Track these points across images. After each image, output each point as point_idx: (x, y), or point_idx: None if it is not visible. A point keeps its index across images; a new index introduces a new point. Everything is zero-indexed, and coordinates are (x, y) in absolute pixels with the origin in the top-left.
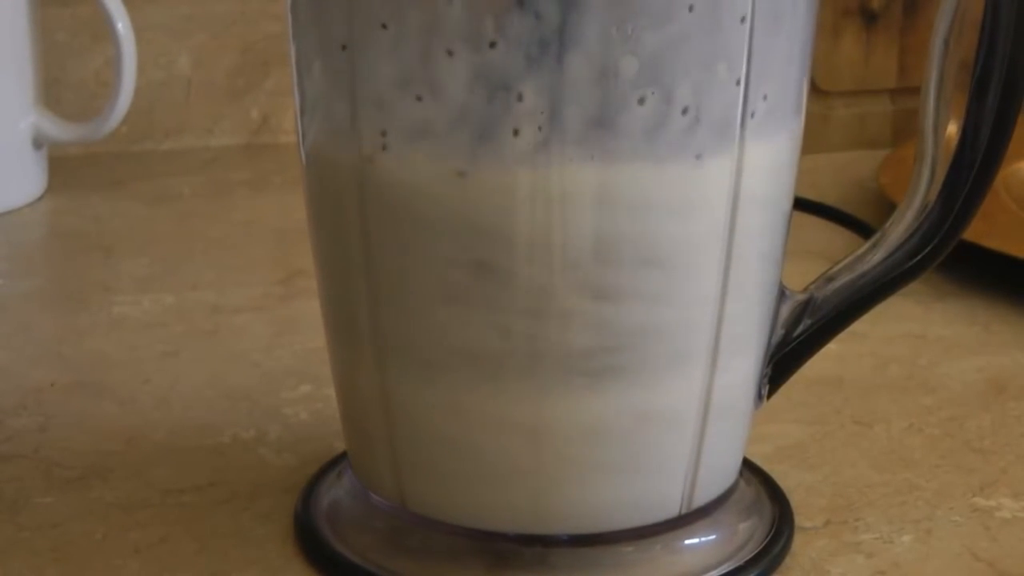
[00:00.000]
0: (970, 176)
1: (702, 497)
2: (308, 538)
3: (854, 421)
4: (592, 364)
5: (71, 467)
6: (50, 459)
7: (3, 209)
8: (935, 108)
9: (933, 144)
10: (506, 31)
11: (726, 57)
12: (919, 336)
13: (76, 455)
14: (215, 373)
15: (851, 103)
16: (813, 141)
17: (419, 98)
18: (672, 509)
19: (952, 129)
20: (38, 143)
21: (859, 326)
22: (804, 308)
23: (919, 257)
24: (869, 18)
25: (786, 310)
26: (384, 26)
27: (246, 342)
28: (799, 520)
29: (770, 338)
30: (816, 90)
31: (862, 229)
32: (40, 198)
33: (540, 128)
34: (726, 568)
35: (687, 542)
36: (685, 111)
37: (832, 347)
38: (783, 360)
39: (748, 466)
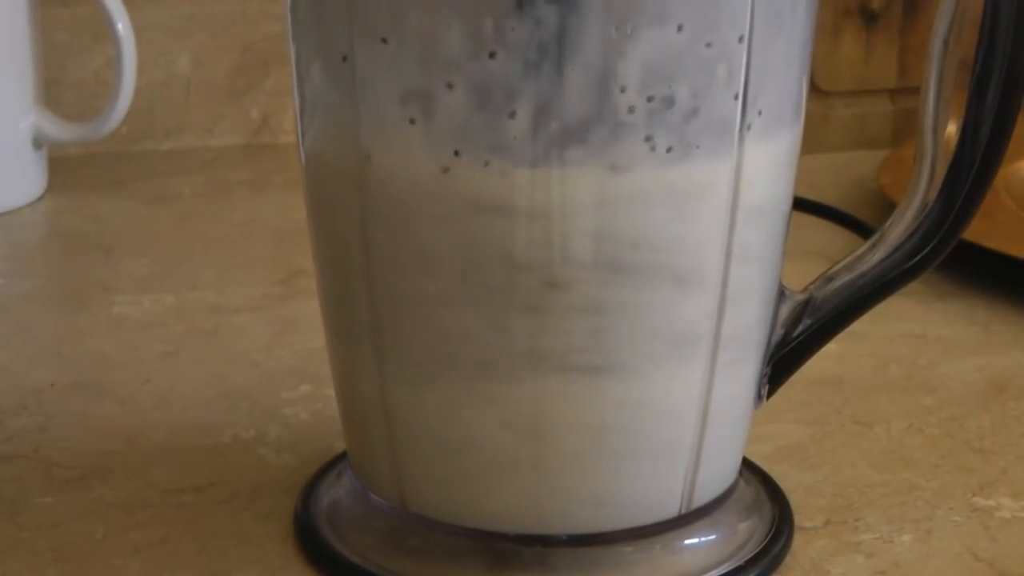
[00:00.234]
0: (970, 176)
1: (702, 497)
2: (308, 538)
3: (854, 421)
4: (592, 364)
5: (71, 467)
6: (50, 459)
7: (3, 209)
8: (935, 108)
9: (933, 144)
10: (506, 40)
11: (726, 60)
12: (919, 336)
13: (76, 455)
14: (215, 373)
15: (851, 103)
16: (813, 141)
17: (420, 107)
18: (672, 509)
19: (952, 129)
20: (38, 143)
21: (859, 326)
22: (804, 308)
23: (919, 257)
24: (869, 18)
25: (786, 310)
26: (384, 40)
27: (246, 342)
28: (799, 520)
29: (770, 338)
30: (816, 90)
31: (862, 229)
32: (40, 198)
33: (539, 132)
34: (726, 568)
35: (687, 542)
36: (685, 113)
37: (832, 347)
38: (783, 360)
39: (748, 466)
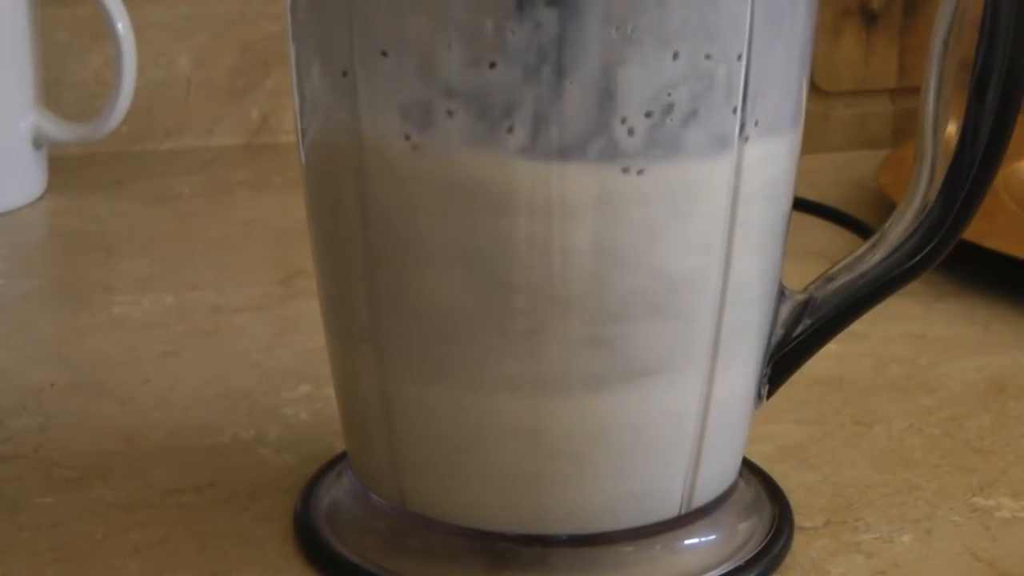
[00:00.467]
0: (970, 176)
1: (702, 497)
2: (308, 538)
3: (854, 421)
4: (591, 364)
5: (71, 467)
6: (50, 459)
7: (3, 209)
8: (935, 108)
9: (933, 144)
10: (506, 49)
11: (725, 64)
12: (919, 336)
13: (76, 455)
14: (215, 373)
15: (851, 103)
16: (813, 141)
17: (421, 115)
18: (672, 509)
19: (952, 129)
20: (38, 143)
21: (859, 326)
22: (804, 308)
23: (919, 257)
24: (869, 18)
25: (786, 310)
26: (384, 54)
27: (246, 342)
28: (799, 520)
29: (770, 338)
30: (816, 90)
31: (862, 229)
32: (40, 198)
33: (539, 133)
34: (726, 568)
35: (687, 542)
36: (684, 116)
37: (832, 347)
38: (783, 360)
39: (748, 466)
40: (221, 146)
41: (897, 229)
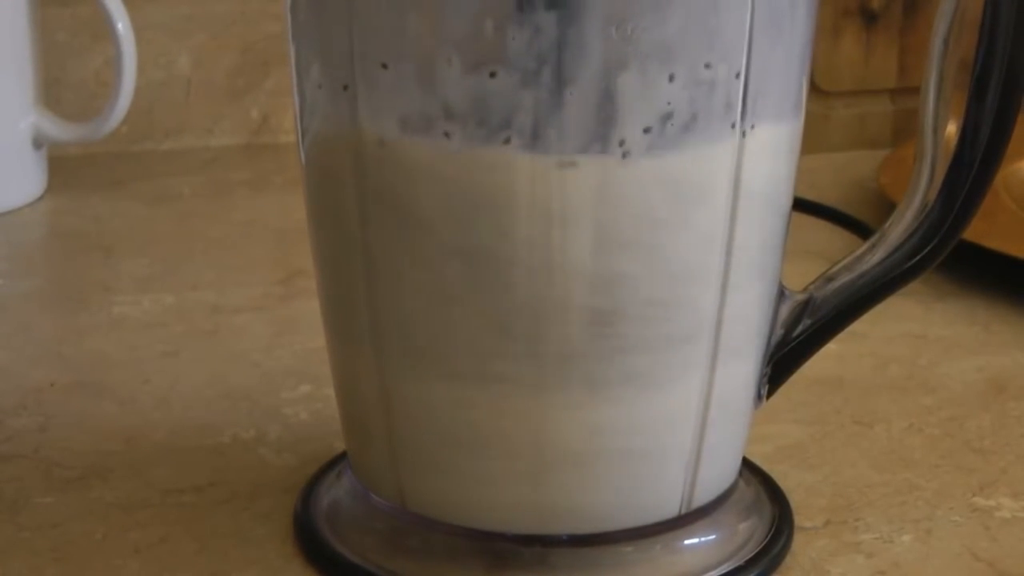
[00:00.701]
0: (970, 176)
1: (702, 497)
2: (308, 538)
3: (854, 421)
4: (591, 364)
5: (71, 467)
6: (50, 459)
7: (3, 209)
8: (934, 108)
9: (933, 144)
10: (506, 57)
11: (725, 59)
12: (919, 336)
13: (76, 455)
14: (215, 373)
15: (851, 103)
16: (813, 141)
17: (422, 124)
18: (672, 509)
19: (952, 129)
20: (38, 143)
21: (859, 326)
22: (804, 308)
23: (919, 257)
24: (869, 18)
25: (786, 310)
26: (384, 66)
27: (246, 342)
28: (799, 520)
29: (770, 338)
30: (816, 90)
31: (862, 229)
32: (40, 198)
33: (539, 130)
34: (726, 568)
35: (687, 542)
36: (685, 121)
37: (832, 347)
38: (783, 360)
39: (748, 466)
40: (221, 146)
41: (897, 229)
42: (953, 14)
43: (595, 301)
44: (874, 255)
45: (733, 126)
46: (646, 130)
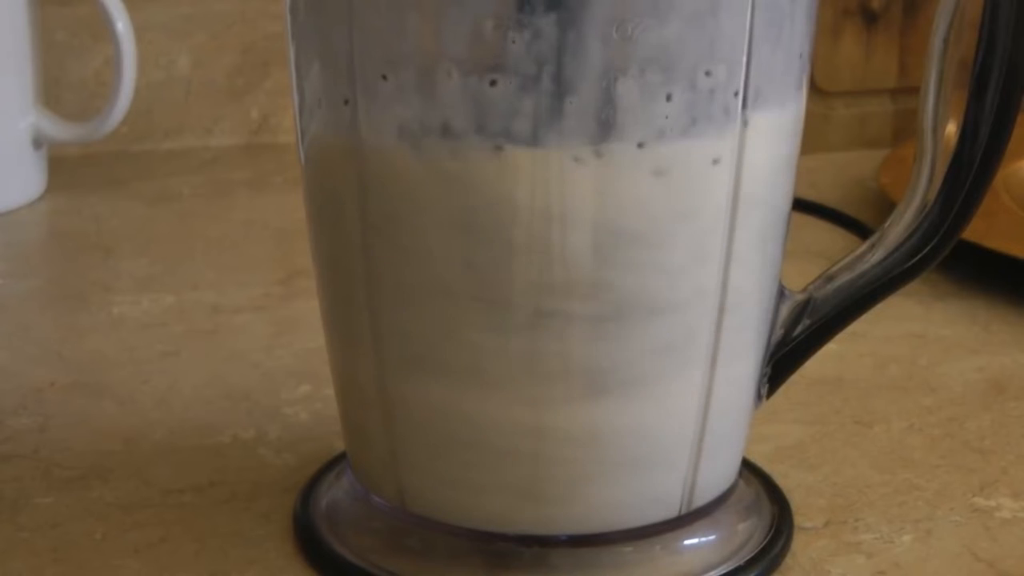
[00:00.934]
0: (969, 175)
1: (702, 497)
2: (307, 538)
3: (854, 421)
4: (591, 364)
5: (71, 467)
6: (50, 459)
7: (3, 209)
8: (934, 107)
9: (932, 143)
10: (506, 65)
11: (725, 59)
12: (919, 336)
13: (76, 455)
14: (215, 373)
15: (851, 103)
16: (813, 141)
17: (421, 129)
18: (672, 509)
19: (951, 128)
20: (38, 143)
21: (859, 326)
22: (803, 308)
23: (918, 257)
24: (869, 18)
25: (785, 310)
26: (384, 77)
27: (246, 342)
28: (799, 520)
29: (769, 338)
30: (816, 90)
31: (861, 230)
32: (40, 198)
33: (539, 134)
34: (726, 568)
35: (687, 542)
36: (684, 112)
37: (832, 347)
38: (782, 360)
39: (748, 466)
40: (221, 146)
41: (897, 229)
42: (953, 13)
43: (594, 302)
44: (874, 255)
45: (733, 129)
46: (646, 133)
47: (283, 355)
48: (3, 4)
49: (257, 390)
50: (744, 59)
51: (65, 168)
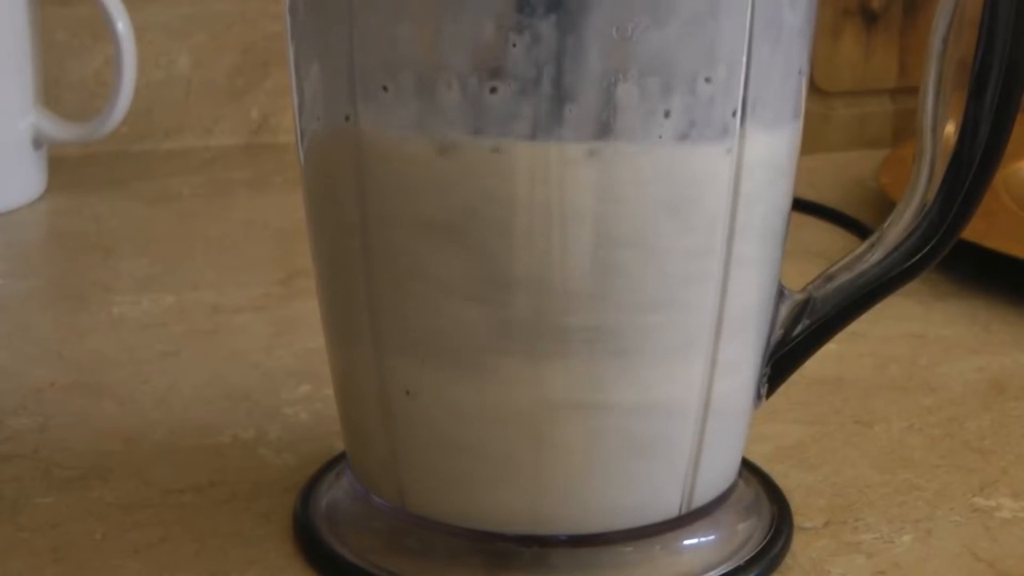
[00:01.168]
0: (969, 175)
1: (702, 497)
2: (307, 538)
3: (854, 421)
4: (590, 365)
5: (71, 467)
6: (50, 459)
7: (3, 209)
8: (934, 107)
9: (932, 143)
10: (506, 71)
11: (725, 60)
12: (919, 336)
13: (76, 455)
14: (215, 373)
15: (851, 103)
16: (813, 141)
17: (421, 134)
18: (672, 509)
19: (951, 128)
20: (38, 143)
21: (859, 326)
22: (803, 308)
23: (918, 257)
24: (869, 18)
25: (785, 310)
26: (385, 88)
27: (246, 342)
28: (799, 520)
29: (769, 338)
30: (816, 90)
31: (861, 230)
32: (40, 198)
33: (539, 136)
34: (726, 568)
35: (686, 542)
36: (684, 115)
37: (832, 347)
38: (782, 360)
39: (747, 466)
40: (221, 146)
41: (896, 228)
42: (952, 13)
43: (594, 303)
44: (873, 255)
45: (732, 132)
46: (645, 136)
47: (283, 355)
48: (3, 4)
49: (257, 390)
50: (744, 61)
51: (65, 168)
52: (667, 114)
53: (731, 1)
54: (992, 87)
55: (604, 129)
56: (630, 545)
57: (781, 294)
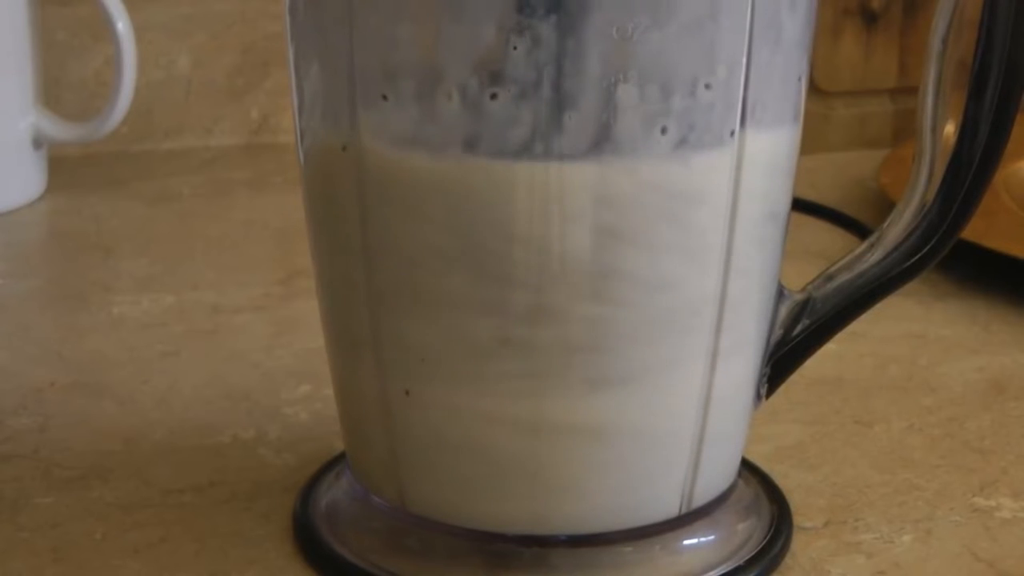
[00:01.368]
0: (968, 175)
1: (701, 497)
2: (307, 538)
3: (854, 421)
4: (591, 363)
5: (71, 467)
6: (50, 459)
7: (3, 209)
8: (933, 107)
9: (931, 143)
10: (506, 76)
11: (725, 62)
12: (919, 336)
13: (76, 455)
14: (215, 373)
15: (851, 103)
16: (813, 141)
17: (421, 140)
18: (671, 509)
19: (950, 128)
20: (38, 143)
21: (859, 326)
22: (803, 308)
23: (917, 256)
24: (869, 18)
25: (785, 310)
26: (384, 97)
27: (246, 342)
28: (799, 520)
29: (769, 338)
30: (816, 90)
31: (861, 230)
32: (40, 198)
33: (539, 139)
34: (725, 568)
35: (686, 542)
36: (684, 117)
37: (832, 347)
38: (782, 360)
39: (747, 466)
40: (221, 146)
41: (896, 228)
42: (952, 13)
43: (594, 305)
44: (873, 255)
45: (732, 134)
46: (645, 139)
47: (283, 355)
48: (3, 4)
49: (257, 390)
50: (744, 63)
51: (65, 168)
52: (667, 116)
53: (731, 2)
54: (992, 87)
55: (604, 133)
56: (630, 545)
57: (781, 294)
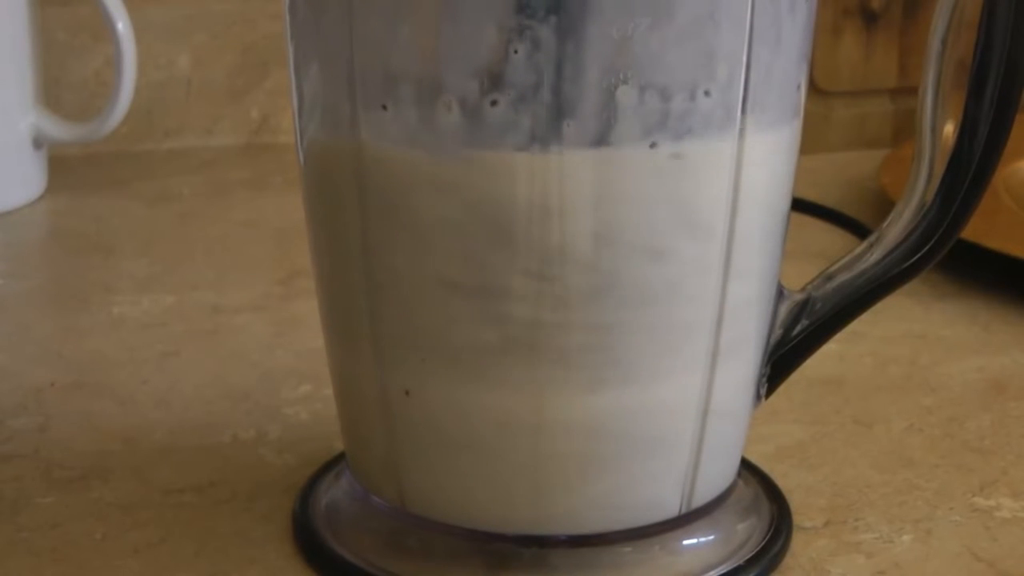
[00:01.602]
0: (968, 175)
1: (701, 497)
2: (307, 539)
3: (854, 421)
4: (591, 363)
5: (71, 467)
6: (50, 459)
7: (3, 209)
8: (933, 107)
9: (931, 143)
10: (506, 81)
11: (726, 62)
12: (919, 336)
13: (76, 455)
14: (215, 373)
15: (851, 103)
16: (813, 141)
17: (421, 142)
18: (671, 509)
19: (950, 128)
20: (38, 143)
21: (859, 326)
22: (802, 308)
23: (917, 256)
24: (869, 18)
25: (784, 310)
26: (384, 107)
27: (246, 342)
28: (799, 520)
29: (768, 338)
30: (816, 90)
31: (861, 230)
32: (40, 198)
33: (539, 140)
34: (725, 568)
35: (686, 542)
36: (684, 118)
37: (832, 347)
38: (781, 360)
39: (747, 466)
40: (221, 146)
41: (895, 228)
42: (951, 13)
43: (594, 303)
44: (873, 254)
45: (732, 135)
46: (645, 139)
47: (283, 355)
48: (3, 4)
49: (257, 390)
50: (744, 63)
51: (65, 168)
52: (667, 117)
53: (731, 3)
54: (991, 87)
55: (604, 133)
56: (630, 545)
57: (781, 294)
